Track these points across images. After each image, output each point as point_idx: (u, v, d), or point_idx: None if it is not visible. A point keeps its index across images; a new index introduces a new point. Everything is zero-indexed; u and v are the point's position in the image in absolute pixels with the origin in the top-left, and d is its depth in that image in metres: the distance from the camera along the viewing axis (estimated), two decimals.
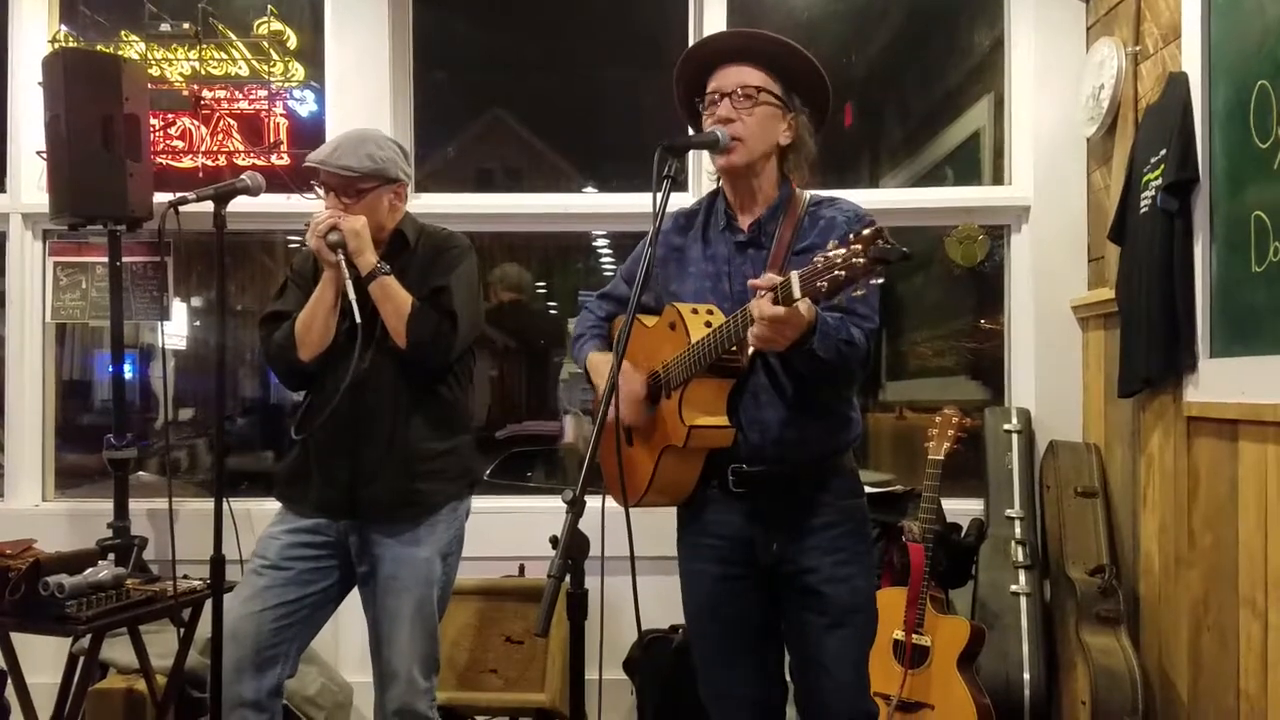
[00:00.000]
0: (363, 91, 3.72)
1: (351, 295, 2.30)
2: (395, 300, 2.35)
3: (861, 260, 1.56)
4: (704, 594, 2.12)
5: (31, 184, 3.74)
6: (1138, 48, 3.15)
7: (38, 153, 3.58)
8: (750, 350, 1.94)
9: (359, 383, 2.34)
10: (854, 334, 1.91)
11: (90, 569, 2.68)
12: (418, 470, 2.42)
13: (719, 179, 2.17)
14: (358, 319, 2.27)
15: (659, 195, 1.82)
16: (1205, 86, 2.70)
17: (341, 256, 2.33)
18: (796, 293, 1.66)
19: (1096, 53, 3.37)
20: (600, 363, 2.20)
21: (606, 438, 1.83)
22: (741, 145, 2.02)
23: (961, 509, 3.48)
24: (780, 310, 1.71)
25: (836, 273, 1.59)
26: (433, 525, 2.45)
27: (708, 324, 1.92)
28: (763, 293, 1.73)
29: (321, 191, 2.46)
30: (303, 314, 2.43)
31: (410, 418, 2.43)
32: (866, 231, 1.57)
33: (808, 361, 1.86)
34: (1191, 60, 2.75)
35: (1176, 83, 2.81)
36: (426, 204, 3.68)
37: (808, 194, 2.12)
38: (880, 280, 1.59)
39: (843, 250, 1.59)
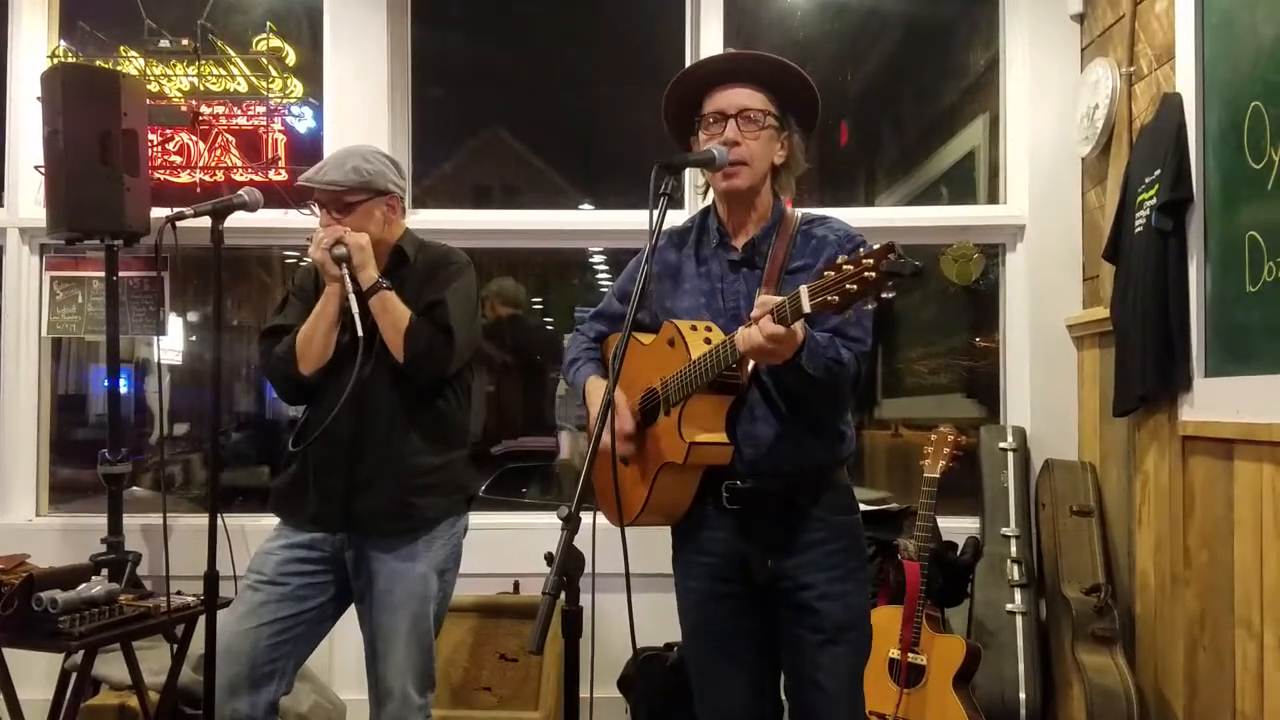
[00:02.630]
0: (361, 108, 3.74)
1: (354, 308, 2.31)
2: (393, 314, 2.36)
3: (873, 274, 1.55)
4: (697, 611, 2.11)
5: (29, 198, 3.75)
6: (1132, 68, 3.17)
7: (36, 167, 3.60)
8: (750, 366, 1.94)
9: (357, 396, 2.34)
10: (843, 354, 1.92)
11: (83, 584, 2.67)
12: (412, 484, 2.42)
13: (705, 192, 2.18)
14: (360, 332, 2.29)
15: (656, 212, 1.82)
16: (1199, 107, 2.72)
17: (346, 270, 2.35)
18: (806, 306, 1.66)
19: (1091, 73, 3.39)
20: (597, 390, 2.17)
21: (602, 457, 1.82)
22: (746, 169, 2.03)
23: (957, 527, 3.48)
24: (780, 329, 1.72)
25: (848, 286, 1.58)
26: (430, 541, 2.44)
27: (707, 341, 1.92)
28: (762, 313, 1.74)
29: (318, 209, 2.47)
30: (304, 327, 2.43)
31: (407, 431, 2.43)
32: (878, 245, 1.57)
33: (796, 377, 1.87)
34: (1185, 81, 2.77)
35: (1170, 103, 2.82)
36: (424, 220, 3.69)
37: (799, 212, 2.13)
38: (891, 295, 1.59)
39: (854, 264, 1.58)
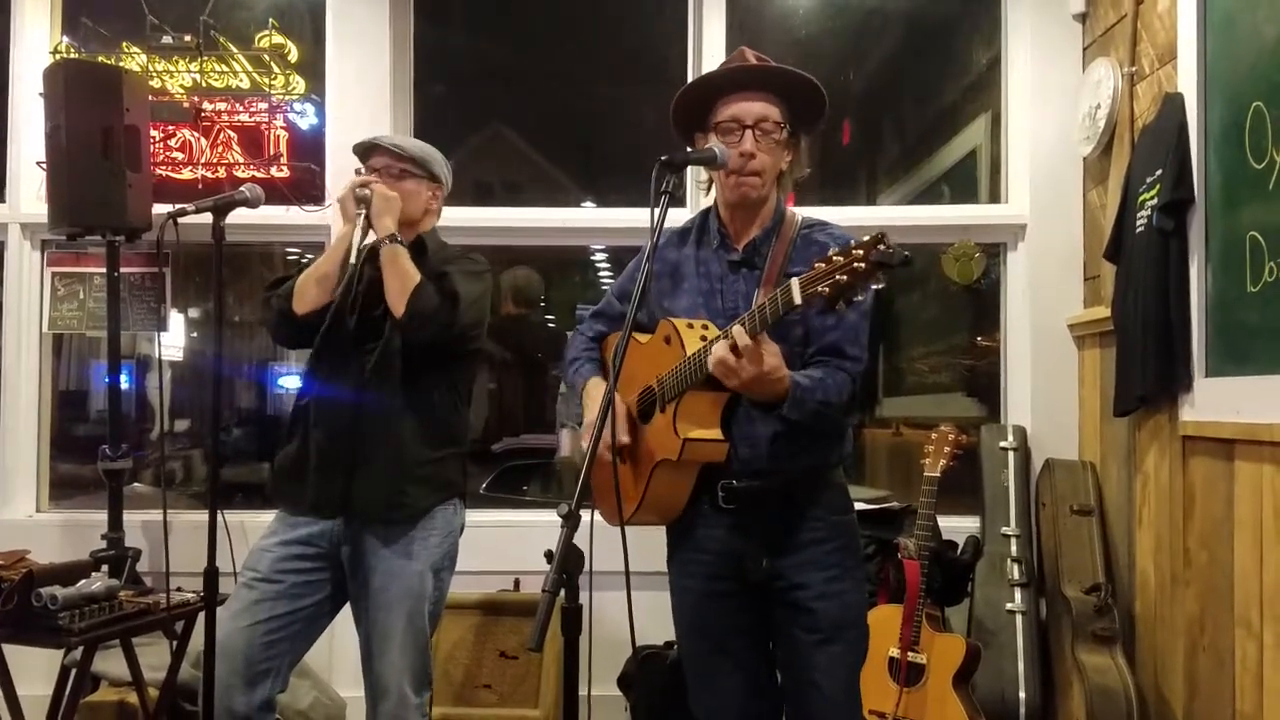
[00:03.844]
0: (363, 105, 3.74)
1: (357, 240, 2.36)
2: (402, 269, 2.36)
3: (863, 265, 1.57)
4: (693, 610, 2.12)
5: (31, 194, 3.75)
6: (1134, 68, 3.17)
7: (38, 163, 3.59)
8: None
9: (361, 386, 2.38)
10: (830, 396, 1.94)
11: (83, 580, 2.67)
12: (407, 474, 2.42)
13: (708, 189, 2.18)
14: (353, 259, 2.35)
15: (657, 210, 1.82)
16: (1201, 107, 2.72)
17: (363, 213, 2.38)
18: (796, 298, 1.67)
19: (1093, 73, 3.39)
20: (596, 392, 2.17)
21: (601, 457, 1.82)
22: (759, 179, 2.04)
23: (957, 526, 3.48)
24: (748, 342, 1.74)
25: (838, 277, 1.60)
26: (426, 539, 2.44)
27: (703, 338, 1.92)
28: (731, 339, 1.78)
29: (365, 174, 2.52)
30: (310, 268, 2.48)
31: (404, 424, 2.43)
32: (868, 237, 1.58)
33: (781, 420, 1.92)
34: (1187, 81, 2.77)
35: (1172, 103, 2.82)
36: None
37: (800, 215, 2.13)
38: (880, 285, 1.60)
39: (844, 255, 1.60)
